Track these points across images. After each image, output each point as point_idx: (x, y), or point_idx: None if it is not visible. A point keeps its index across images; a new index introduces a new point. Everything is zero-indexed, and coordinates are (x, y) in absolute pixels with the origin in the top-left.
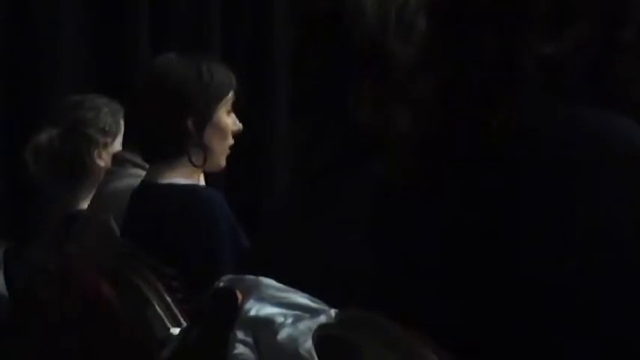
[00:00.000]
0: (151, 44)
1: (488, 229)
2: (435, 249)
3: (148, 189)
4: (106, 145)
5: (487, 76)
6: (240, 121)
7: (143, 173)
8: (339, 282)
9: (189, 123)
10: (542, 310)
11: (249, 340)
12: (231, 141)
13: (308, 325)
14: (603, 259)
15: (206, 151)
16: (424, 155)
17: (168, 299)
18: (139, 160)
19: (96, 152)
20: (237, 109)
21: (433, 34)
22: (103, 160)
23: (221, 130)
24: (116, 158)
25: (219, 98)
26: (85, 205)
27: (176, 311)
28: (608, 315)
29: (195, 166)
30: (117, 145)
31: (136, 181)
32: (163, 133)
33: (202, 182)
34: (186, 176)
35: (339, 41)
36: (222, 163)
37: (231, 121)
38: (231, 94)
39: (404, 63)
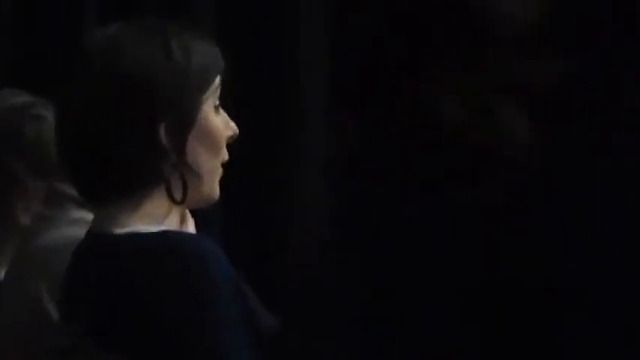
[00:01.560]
0: None
1: (488, 229)
2: (437, 248)
3: (99, 244)
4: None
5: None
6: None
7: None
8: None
9: (162, 131)
10: (541, 310)
11: None
12: (225, 154)
13: None
14: (603, 259)
15: (191, 174)
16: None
17: None
18: None
19: (24, 203)
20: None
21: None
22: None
23: (209, 137)
24: (52, 194)
25: (201, 87)
26: (2, 270)
27: None
28: (608, 315)
29: (174, 202)
30: None
31: (82, 231)
32: (117, 154)
33: (191, 228)
34: (157, 219)
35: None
36: (216, 191)
37: (222, 122)
38: (218, 80)
39: (506, 36)
